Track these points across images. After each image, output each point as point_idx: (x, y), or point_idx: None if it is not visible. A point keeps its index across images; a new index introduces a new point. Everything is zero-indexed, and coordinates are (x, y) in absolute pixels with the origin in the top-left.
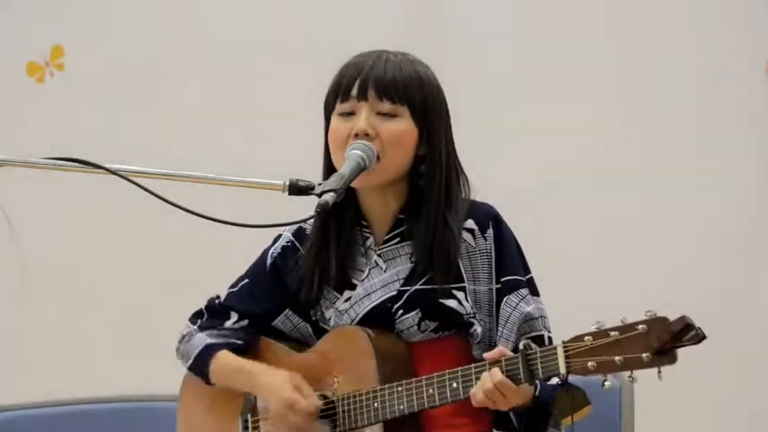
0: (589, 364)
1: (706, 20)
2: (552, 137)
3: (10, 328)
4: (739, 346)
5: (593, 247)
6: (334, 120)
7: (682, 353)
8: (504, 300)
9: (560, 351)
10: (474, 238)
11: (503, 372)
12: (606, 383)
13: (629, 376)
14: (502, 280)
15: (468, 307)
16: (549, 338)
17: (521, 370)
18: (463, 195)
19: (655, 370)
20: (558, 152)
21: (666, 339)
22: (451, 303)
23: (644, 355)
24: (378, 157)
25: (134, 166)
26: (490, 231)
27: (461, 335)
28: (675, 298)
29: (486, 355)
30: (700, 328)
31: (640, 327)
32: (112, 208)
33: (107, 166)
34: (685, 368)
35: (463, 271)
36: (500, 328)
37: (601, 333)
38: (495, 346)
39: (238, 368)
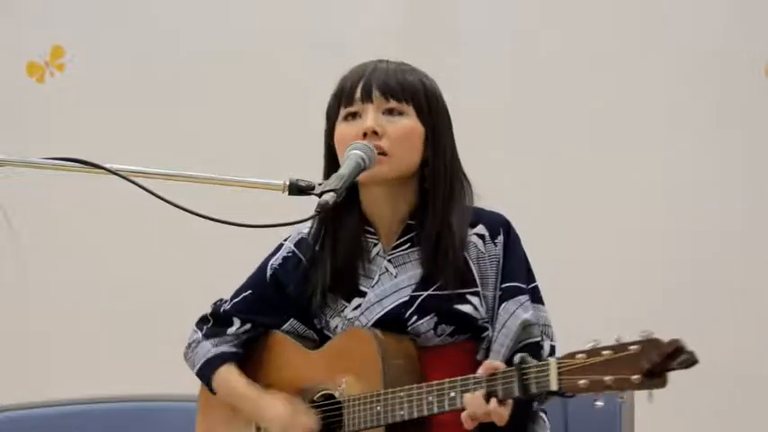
0: (581, 382)
1: (706, 20)
2: (552, 137)
3: (10, 328)
4: (740, 351)
5: (592, 247)
6: (340, 125)
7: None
8: (502, 306)
9: (553, 367)
10: (484, 243)
11: (498, 397)
12: (597, 403)
13: (620, 397)
14: (502, 286)
15: (482, 312)
16: (552, 347)
17: (515, 385)
18: (467, 202)
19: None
20: (558, 152)
21: (657, 362)
22: (466, 308)
23: (634, 377)
24: (385, 153)
25: (134, 166)
26: (500, 238)
27: (476, 340)
28: (675, 298)
29: (480, 370)
30: (692, 353)
31: (633, 348)
32: (112, 208)
33: (107, 166)
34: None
35: (476, 276)
36: (495, 334)
37: (594, 351)
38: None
39: (238, 390)
